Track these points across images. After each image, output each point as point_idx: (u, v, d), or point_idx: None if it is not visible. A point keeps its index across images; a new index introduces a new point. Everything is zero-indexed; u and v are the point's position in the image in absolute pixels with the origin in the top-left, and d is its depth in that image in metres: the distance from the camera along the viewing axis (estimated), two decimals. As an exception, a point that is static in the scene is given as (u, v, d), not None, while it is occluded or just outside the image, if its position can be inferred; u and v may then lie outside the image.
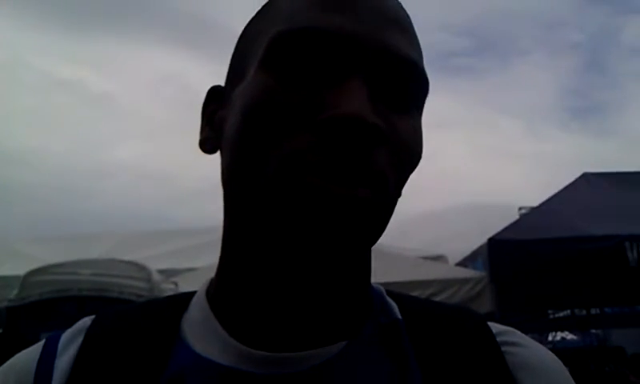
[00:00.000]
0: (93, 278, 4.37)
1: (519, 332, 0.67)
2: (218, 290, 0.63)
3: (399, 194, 0.58)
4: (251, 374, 0.56)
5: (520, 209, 6.76)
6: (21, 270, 4.77)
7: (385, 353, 0.60)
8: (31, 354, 0.63)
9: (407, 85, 0.56)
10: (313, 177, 0.50)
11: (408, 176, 0.59)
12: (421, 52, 0.60)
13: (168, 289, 4.69)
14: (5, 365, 0.63)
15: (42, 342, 0.64)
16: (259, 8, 0.64)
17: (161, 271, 5.18)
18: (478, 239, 5.77)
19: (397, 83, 0.55)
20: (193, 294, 0.66)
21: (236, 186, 0.57)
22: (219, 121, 0.62)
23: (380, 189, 0.53)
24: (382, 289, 0.67)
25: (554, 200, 6.20)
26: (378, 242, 0.64)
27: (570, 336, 12.62)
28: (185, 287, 4.87)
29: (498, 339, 0.64)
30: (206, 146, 0.64)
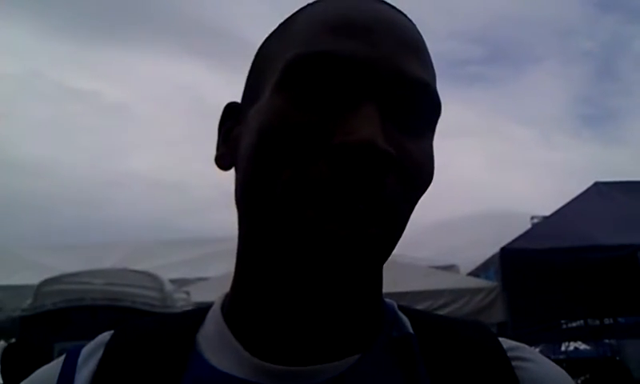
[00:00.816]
0: (106, 287, 4.38)
1: (529, 347, 0.67)
2: (232, 304, 0.64)
3: (409, 218, 0.60)
4: None
5: (532, 218, 6.72)
6: (34, 279, 4.80)
7: (397, 366, 0.60)
8: (53, 368, 0.64)
9: (420, 108, 0.57)
10: (314, 212, 0.51)
11: (419, 199, 0.60)
12: (434, 74, 0.61)
13: (180, 298, 4.71)
14: (27, 379, 0.65)
15: (62, 357, 0.65)
16: (275, 28, 0.65)
17: (173, 281, 5.19)
18: (494, 248, 5.75)
19: (410, 107, 0.56)
20: (208, 309, 0.67)
21: (248, 204, 0.58)
22: (235, 138, 0.64)
23: (391, 221, 0.55)
24: (394, 303, 0.68)
25: (566, 209, 6.18)
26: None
27: (583, 346, 12.52)
28: (197, 297, 4.89)
29: (508, 354, 0.64)
30: (222, 162, 0.66)
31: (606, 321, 8.51)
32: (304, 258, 0.52)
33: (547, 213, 6.38)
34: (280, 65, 0.57)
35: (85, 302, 4.30)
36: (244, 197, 0.59)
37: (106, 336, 0.66)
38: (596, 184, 6.71)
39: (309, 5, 0.63)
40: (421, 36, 0.61)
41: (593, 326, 8.78)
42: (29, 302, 4.46)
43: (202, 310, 0.68)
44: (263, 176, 0.55)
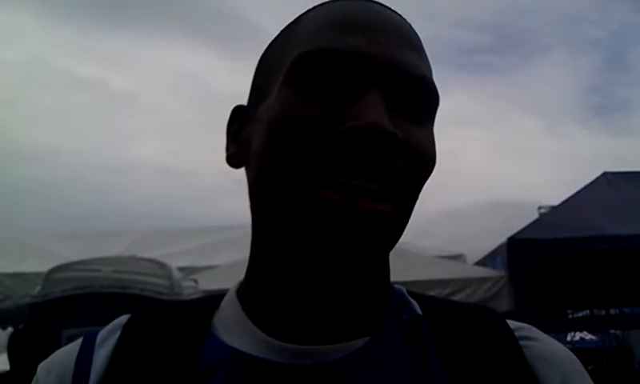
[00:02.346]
0: (114, 274, 4.42)
1: (534, 328, 0.70)
2: (247, 290, 0.66)
3: (416, 200, 0.62)
4: (280, 365, 0.59)
5: (539, 208, 6.71)
6: (43, 266, 4.84)
7: (408, 346, 0.63)
8: (71, 349, 0.67)
9: (421, 98, 0.60)
10: (330, 191, 0.54)
11: (424, 183, 0.63)
12: (430, 68, 0.64)
13: (188, 286, 4.74)
14: (46, 360, 0.67)
15: (80, 339, 0.67)
16: (278, 33, 0.68)
17: (181, 269, 5.23)
18: (501, 237, 5.75)
19: (411, 97, 0.59)
20: (223, 295, 0.69)
21: (262, 196, 0.61)
22: (245, 138, 0.66)
23: (401, 199, 0.58)
24: (403, 289, 0.70)
25: (573, 199, 6.16)
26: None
27: (589, 336, 12.52)
28: (205, 284, 4.91)
29: (515, 334, 0.67)
30: (233, 161, 0.68)
31: (612, 311, 8.50)
32: (323, 235, 0.55)
33: (555, 203, 6.37)
34: (286, 63, 0.60)
35: (94, 289, 4.34)
36: (257, 190, 0.62)
37: (122, 319, 0.68)
38: (604, 174, 6.68)
39: (310, 10, 0.66)
40: (417, 34, 0.65)
41: (599, 316, 8.78)
42: (38, 289, 4.50)
43: (218, 296, 0.70)
44: (276, 165, 0.58)
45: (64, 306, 4.32)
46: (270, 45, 0.69)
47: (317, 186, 0.55)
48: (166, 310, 0.69)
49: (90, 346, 0.65)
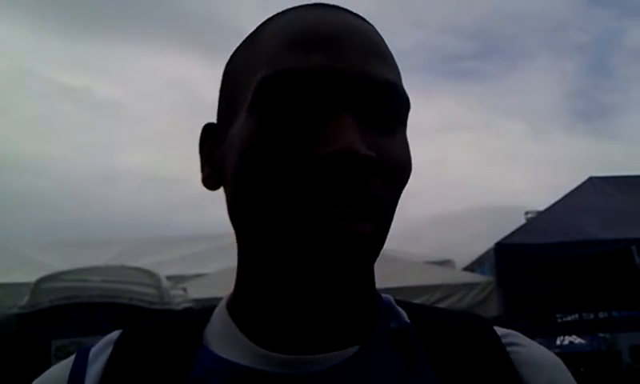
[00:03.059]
0: (103, 284, 4.40)
1: (521, 334, 0.70)
2: (236, 302, 0.66)
3: (395, 209, 0.62)
4: (271, 374, 0.59)
5: (527, 213, 6.76)
6: (31, 277, 4.80)
7: (397, 355, 0.63)
8: (64, 365, 0.67)
9: (390, 106, 0.59)
10: (309, 220, 0.54)
11: (402, 192, 0.62)
12: (399, 72, 0.63)
13: (177, 295, 4.72)
14: (40, 377, 0.67)
15: (73, 355, 0.67)
16: (241, 42, 0.67)
17: (169, 277, 5.21)
18: (489, 243, 5.77)
19: (382, 107, 0.58)
20: (214, 307, 0.70)
21: (241, 222, 0.61)
22: (219, 159, 0.65)
23: (380, 217, 0.57)
24: (391, 297, 0.70)
25: (560, 204, 6.20)
26: (385, 247, 0.68)
27: (578, 340, 12.56)
28: (194, 293, 4.90)
29: (503, 341, 0.68)
30: (209, 183, 0.68)
31: (601, 315, 8.56)
32: (304, 261, 0.54)
33: (542, 207, 6.41)
34: (250, 86, 0.59)
35: (82, 299, 4.31)
36: (236, 214, 0.62)
37: (114, 334, 0.68)
38: (590, 179, 6.74)
39: (272, 18, 0.65)
40: (382, 39, 0.63)
41: (587, 319, 8.83)
42: (26, 299, 4.47)
43: (209, 308, 0.70)
44: (252, 194, 0.57)
45: (52, 317, 4.29)
46: (233, 56, 0.67)
47: (295, 214, 0.54)
48: (157, 323, 0.69)
49: (83, 360, 0.66)
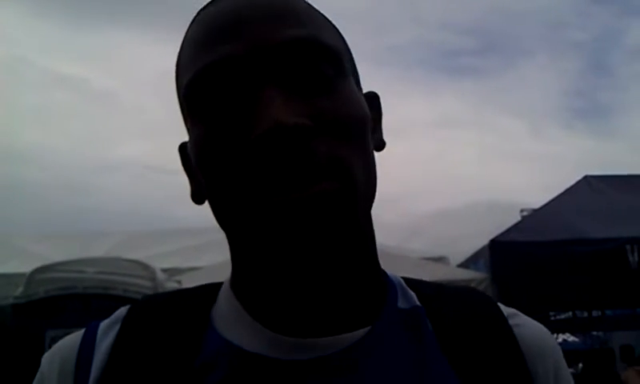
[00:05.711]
0: (98, 276, 4.40)
1: (522, 314, 0.73)
2: (239, 284, 0.67)
3: (369, 158, 0.62)
4: (282, 362, 0.60)
5: (522, 211, 6.76)
6: (26, 267, 4.80)
7: (407, 336, 0.64)
8: (73, 338, 0.67)
9: (315, 62, 0.59)
10: (266, 201, 0.55)
11: (365, 139, 0.61)
12: (319, 22, 0.63)
13: (172, 288, 4.72)
14: (49, 352, 0.68)
15: (82, 331, 0.68)
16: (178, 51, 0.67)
17: (164, 270, 5.21)
18: (483, 240, 5.78)
19: (303, 66, 0.58)
20: (219, 285, 0.70)
21: (221, 223, 0.63)
22: (197, 175, 0.66)
23: (341, 173, 0.56)
24: (399, 277, 0.72)
25: (555, 202, 6.21)
26: (379, 242, 0.68)
27: (571, 338, 12.62)
28: (188, 286, 4.89)
29: (509, 322, 0.69)
30: (195, 198, 0.70)
31: (594, 313, 8.58)
32: (275, 240, 0.55)
33: (537, 205, 6.41)
34: (180, 98, 0.62)
35: (77, 290, 4.32)
36: (218, 219, 0.63)
37: (122, 311, 0.69)
38: (586, 177, 6.74)
39: (191, 22, 0.66)
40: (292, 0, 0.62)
41: (581, 318, 8.85)
42: (20, 290, 4.46)
43: (214, 286, 0.71)
44: (219, 198, 0.60)
45: (47, 307, 4.29)
46: (176, 62, 0.67)
47: (253, 200, 0.55)
48: (165, 301, 0.70)
49: (93, 334, 0.66)
